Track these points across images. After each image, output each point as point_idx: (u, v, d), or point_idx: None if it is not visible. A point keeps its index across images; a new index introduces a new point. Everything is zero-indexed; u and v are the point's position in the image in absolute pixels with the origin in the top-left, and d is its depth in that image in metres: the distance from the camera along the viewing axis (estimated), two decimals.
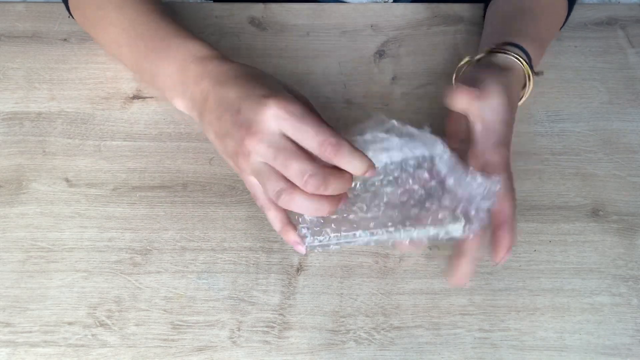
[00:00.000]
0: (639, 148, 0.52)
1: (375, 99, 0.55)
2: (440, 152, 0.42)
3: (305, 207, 0.38)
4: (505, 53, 0.47)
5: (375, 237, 0.40)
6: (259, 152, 0.37)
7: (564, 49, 0.59)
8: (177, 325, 0.43)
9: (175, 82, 0.46)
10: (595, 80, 0.57)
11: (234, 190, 0.49)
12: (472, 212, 0.40)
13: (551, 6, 0.55)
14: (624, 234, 0.47)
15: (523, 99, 0.49)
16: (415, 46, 0.59)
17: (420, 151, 0.41)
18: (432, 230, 0.40)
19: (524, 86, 0.48)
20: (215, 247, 0.46)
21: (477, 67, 0.48)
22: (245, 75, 0.42)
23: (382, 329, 0.43)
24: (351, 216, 0.41)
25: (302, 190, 0.37)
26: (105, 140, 0.52)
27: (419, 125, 0.42)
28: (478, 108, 0.43)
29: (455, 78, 0.50)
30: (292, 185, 0.37)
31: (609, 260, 0.46)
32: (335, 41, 0.59)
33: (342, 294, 0.44)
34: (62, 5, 0.58)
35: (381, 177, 0.42)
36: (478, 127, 0.43)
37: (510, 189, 0.42)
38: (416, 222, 0.40)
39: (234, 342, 0.42)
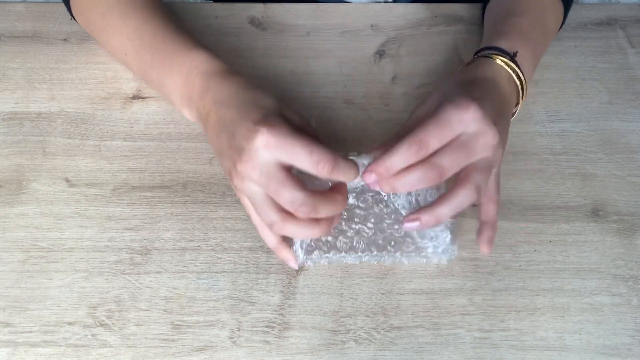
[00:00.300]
0: (639, 148, 0.52)
1: (375, 99, 0.55)
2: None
3: (297, 234, 0.40)
4: (485, 57, 0.47)
5: (361, 260, 0.45)
6: (251, 178, 0.39)
7: (564, 49, 0.59)
8: (177, 325, 0.43)
9: (182, 94, 0.47)
10: (595, 80, 0.57)
11: (234, 190, 0.49)
12: (437, 246, 0.45)
13: (539, 4, 0.53)
14: (624, 234, 0.48)
15: (520, 103, 0.48)
16: (415, 46, 0.59)
17: None
18: (412, 257, 0.44)
19: (519, 88, 0.47)
20: (215, 247, 0.46)
21: (460, 74, 0.47)
22: (243, 97, 0.42)
23: (382, 329, 0.43)
24: (339, 238, 0.45)
25: (294, 219, 0.39)
26: (105, 140, 0.52)
27: None
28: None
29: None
30: (284, 215, 0.39)
31: (609, 260, 0.46)
32: (335, 41, 0.59)
33: (342, 294, 0.44)
34: (62, 5, 0.58)
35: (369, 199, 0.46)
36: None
37: (496, 193, 0.44)
38: (399, 246, 0.45)
39: (234, 342, 0.42)
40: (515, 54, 0.47)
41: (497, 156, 0.41)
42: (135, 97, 0.54)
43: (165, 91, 0.49)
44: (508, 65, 0.46)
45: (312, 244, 0.45)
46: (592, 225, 0.48)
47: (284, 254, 0.44)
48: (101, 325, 0.42)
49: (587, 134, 0.53)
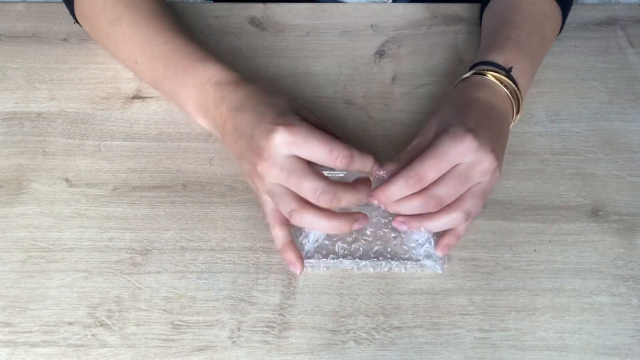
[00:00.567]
0: (639, 148, 0.52)
1: (375, 99, 0.55)
2: None
3: (317, 224, 0.41)
4: (480, 74, 0.47)
5: (359, 266, 0.45)
6: (272, 175, 0.40)
7: (564, 49, 0.59)
8: (177, 325, 0.43)
9: (197, 104, 0.48)
10: (595, 80, 0.57)
11: (234, 190, 0.49)
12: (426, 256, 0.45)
13: (536, 12, 0.54)
14: (624, 234, 0.47)
15: (515, 118, 0.49)
16: (415, 46, 0.59)
17: None
18: (409, 265, 0.45)
19: (514, 99, 0.47)
20: (215, 247, 0.46)
21: (457, 94, 0.48)
22: (258, 100, 0.44)
23: (382, 329, 0.43)
24: (338, 244, 0.46)
25: (314, 208, 0.40)
26: (105, 140, 0.52)
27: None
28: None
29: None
30: (304, 203, 0.40)
31: (609, 260, 0.46)
32: (335, 41, 0.59)
33: (342, 294, 0.44)
34: (62, 5, 0.58)
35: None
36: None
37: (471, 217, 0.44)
38: (395, 254, 0.46)
39: (234, 342, 0.42)
40: (510, 69, 0.48)
41: (494, 179, 0.43)
42: (135, 97, 0.54)
43: (180, 101, 0.50)
44: (502, 82, 0.47)
45: (324, 242, 0.45)
46: (592, 225, 0.48)
47: (290, 255, 0.44)
48: (101, 325, 0.42)
49: (587, 134, 0.53)
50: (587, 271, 0.46)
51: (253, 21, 0.61)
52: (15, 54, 0.57)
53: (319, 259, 0.45)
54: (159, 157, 0.51)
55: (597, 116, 0.54)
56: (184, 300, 0.44)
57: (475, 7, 0.62)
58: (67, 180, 0.49)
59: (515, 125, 0.50)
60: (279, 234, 0.44)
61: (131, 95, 0.55)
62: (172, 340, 0.42)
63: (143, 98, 0.54)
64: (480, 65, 0.49)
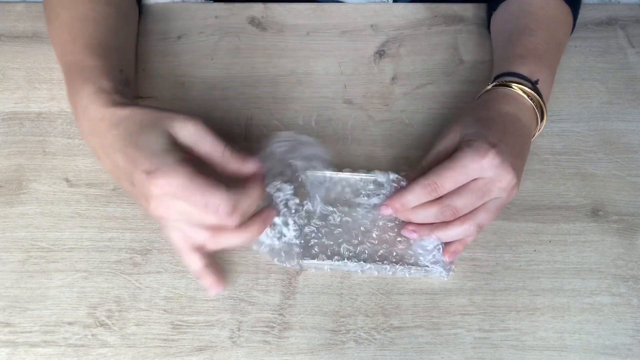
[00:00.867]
0: (639, 148, 0.52)
1: (375, 99, 0.55)
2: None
3: (234, 241, 0.40)
4: (505, 85, 0.47)
5: (363, 269, 0.45)
6: (169, 217, 0.38)
7: (564, 49, 0.59)
8: (177, 325, 0.43)
9: (78, 125, 0.45)
10: (595, 80, 0.57)
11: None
12: (436, 261, 0.45)
13: (550, 18, 0.53)
14: (624, 234, 0.47)
15: (538, 130, 0.48)
16: (415, 46, 0.59)
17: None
18: (413, 270, 0.45)
19: (539, 112, 0.47)
20: None
21: (482, 107, 0.47)
22: (125, 140, 0.39)
23: (382, 329, 0.43)
24: (343, 245, 0.45)
25: (224, 230, 0.39)
26: None
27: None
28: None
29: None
30: (214, 230, 0.39)
31: (609, 260, 0.46)
32: (335, 41, 0.59)
33: (342, 294, 0.44)
34: None
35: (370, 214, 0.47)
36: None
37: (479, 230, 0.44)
38: (400, 258, 0.45)
39: (234, 342, 0.42)
40: (536, 82, 0.47)
41: (511, 195, 0.44)
42: (135, 97, 0.54)
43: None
44: (529, 96, 0.46)
45: (310, 247, 0.45)
46: (592, 225, 0.48)
47: (208, 279, 0.42)
48: (101, 325, 0.42)
49: (587, 134, 0.53)
50: (587, 271, 0.46)
51: (253, 21, 0.61)
52: (15, 54, 0.57)
53: (323, 259, 0.44)
54: None
55: (597, 116, 0.54)
56: (184, 300, 0.44)
57: (476, 7, 0.62)
58: (67, 180, 0.49)
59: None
60: (191, 261, 0.41)
61: None
62: (172, 340, 0.42)
63: (143, 98, 0.54)
64: (504, 77, 0.48)
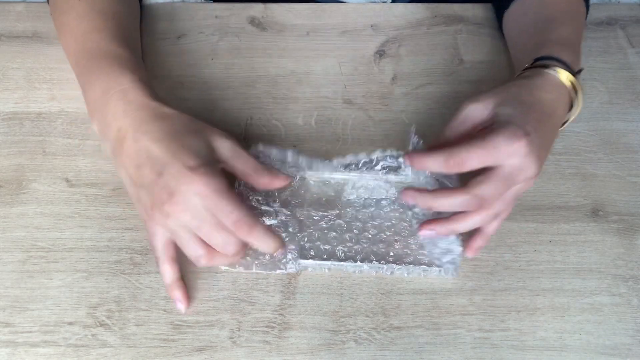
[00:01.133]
0: (639, 148, 0.52)
1: (375, 99, 0.55)
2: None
3: (224, 262, 0.42)
4: (550, 67, 0.45)
5: (361, 270, 0.45)
6: (181, 219, 0.39)
7: None
8: (177, 325, 0.43)
9: (96, 106, 0.44)
10: (595, 80, 0.57)
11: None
12: (445, 259, 0.45)
13: (572, 9, 0.53)
14: (624, 234, 0.48)
15: (575, 112, 0.47)
16: (415, 46, 0.59)
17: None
18: (411, 269, 0.44)
19: (574, 96, 0.46)
20: None
21: (524, 88, 0.45)
22: (174, 134, 0.40)
23: (382, 329, 0.43)
24: (339, 247, 0.45)
25: (220, 253, 0.40)
26: None
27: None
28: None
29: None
30: (211, 250, 0.40)
31: (609, 260, 0.46)
32: (335, 41, 0.59)
33: (342, 294, 0.44)
34: None
35: (372, 209, 0.47)
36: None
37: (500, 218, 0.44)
38: (398, 257, 0.45)
39: (234, 342, 0.42)
40: (580, 71, 0.46)
41: (529, 186, 0.43)
42: None
43: (85, 98, 0.46)
44: (573, 85, 0.45)
45: (306, 251, 0.45)
46: (592, 225, 0.48)
47: (177, 293, 0.43)
48: (101, 325, 0.42)
49: (587, 134, 0.53)
50: (587, 271, 0.46)
51: (253, 21, 0.61)
52: (15, 54, 0.57)
53: (322, 259, 0.44)
54: None
55: (597, 116, 0.54)
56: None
57: (476, 7, 0.62)
58: (67, 180, 0.49)
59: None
60: (168, 270, 0.42)
61: None
62: (172, 340, 0.42)
63: None
64: (551, 60, 0.46)
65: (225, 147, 0.42)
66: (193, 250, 0.40)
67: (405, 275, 0.45)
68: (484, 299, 0.44)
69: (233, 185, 0.46)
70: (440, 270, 0.44)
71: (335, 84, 0.56)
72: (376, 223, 0.46)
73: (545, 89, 0.44)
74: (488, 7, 0.62)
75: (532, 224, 0.48)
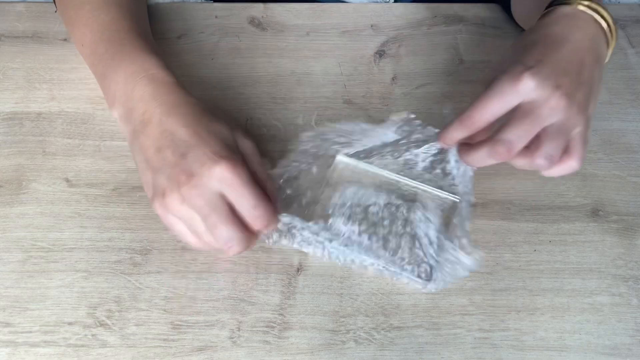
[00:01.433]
0: (639, 148, 0.52)
1: (375, 99, 0.55)
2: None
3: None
4: (561, 4, 0.43)
5: (353, 265, 0.44)
6: (193, 204, 0.38)
7: None
8: (177, 325, 0.43)
9: (119, 91, 0.44)
10: None
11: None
12: (437, 274, 0.43)
13: None
14: (624, 234, 0.48)
15: (611, 45, 0.44)
16: (415, 46, 0.59)
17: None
18: (399, 273, 0.44)
19: (608, 31, 0.43)
20: None
21: (524, 33, 0.44)
22: (200, 120, 0.41)
23: (382, 329, 0.43)
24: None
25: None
26: (105, 140, 0.52)
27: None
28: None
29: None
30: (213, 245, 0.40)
31: (609, 260, 0.46)
32: (335, 41, 0.59)
33: (342, 294, 0.44)
34: None
35: (373, 204, 0.46)
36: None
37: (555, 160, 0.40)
38: (389, 260, 0.44)
39: (234, 342, 0.42)
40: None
41: (573, 118, 0.39)
42: None
43: (104, 84, 0.46)
44: (590, 7, 0.42)
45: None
46: (592, 225, 0.48)
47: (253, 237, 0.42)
48: (101, 325, 0.42)
49: None
50: (587, 271, 0.46)
51: (253, 21, 0.61)
52: (15, 54, 0.57)
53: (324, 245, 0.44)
54: None
55: (597, 116, 0.54)
56: (184, 300, 0.44)
57: (476, 7, 0.62)
58: (67, 180, 0.49)
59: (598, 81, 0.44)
60: (225, 232, 0.39)
61: None
62: (172, 340, 0.42)
63: None
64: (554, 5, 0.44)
65: (246, 146, 0.42)
66: (201, 233, 0.39)
67: (393, 276, 0.44)
68: (483, 299, 0.44)
69: None
70: (424, 285, 0.43)
71: (335, 84, 0.56)
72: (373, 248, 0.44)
73: (550, 24, 0.43)
74: (488, 7, 0.62)
75: (532, 224, 0.48)
